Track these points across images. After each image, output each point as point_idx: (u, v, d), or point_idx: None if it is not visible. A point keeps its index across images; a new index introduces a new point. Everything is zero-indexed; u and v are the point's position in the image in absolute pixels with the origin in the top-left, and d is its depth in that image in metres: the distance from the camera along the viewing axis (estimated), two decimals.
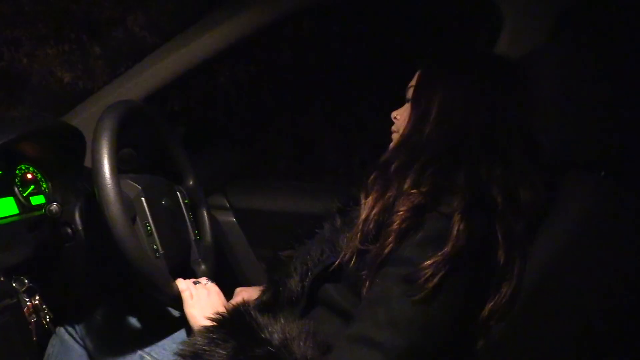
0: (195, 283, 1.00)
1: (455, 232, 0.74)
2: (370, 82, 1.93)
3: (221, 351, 0.79)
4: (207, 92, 1.93)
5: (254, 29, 1.38)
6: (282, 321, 0.82)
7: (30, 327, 0.96)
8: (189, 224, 1.19)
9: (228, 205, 1.58)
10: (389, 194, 0.82)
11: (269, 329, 0.81)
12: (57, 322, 1.07)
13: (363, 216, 0.84)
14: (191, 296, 0.96)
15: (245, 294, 1.12)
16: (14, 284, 0.98)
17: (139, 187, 1.02)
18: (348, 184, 1.02)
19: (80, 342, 1.08)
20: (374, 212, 0.82)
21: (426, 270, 0.73)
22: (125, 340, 1.04)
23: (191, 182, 1.24)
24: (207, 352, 0.80)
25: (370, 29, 1.87)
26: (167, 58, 1.42)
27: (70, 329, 1.09)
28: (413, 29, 1.76)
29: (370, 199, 0.85)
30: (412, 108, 0.92)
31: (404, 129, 0.92)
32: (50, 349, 1.10)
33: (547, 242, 0.82)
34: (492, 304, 0.79)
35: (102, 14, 1.61)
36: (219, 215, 1.55)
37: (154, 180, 1.12)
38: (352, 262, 0.84)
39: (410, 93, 0.95)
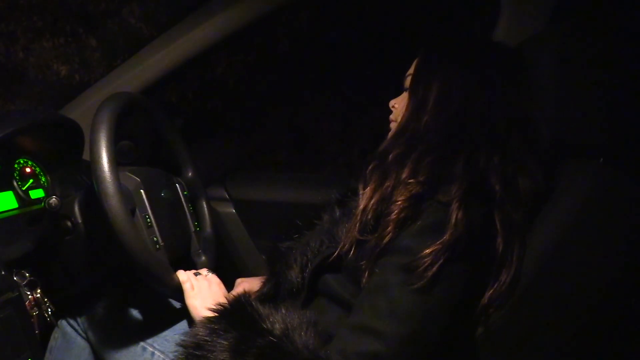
0: (195, 274, 1.00)
1: (453, 220, 0.74)
2: (369, 71, 1.92)
3: (223, 341, 0.80)
4: (204, 83, 1.93)
5: (250, 19, 1.37)
6: (283, 311, 0.83)
7: (32, 320, 0.96)
8: (188, 215, 1.19)
9: (227, 196, 1.58)
10: (387, 184, 0.82)
11: (270, 319, 0.81)
12: (58, 315, 1.07)
13: (361, 206, 0.84)
14: (192, 287, 0.96)
15: (246, 284, 1.12)
16: (15, 278, 0.98)
17: (138, 180, 1.02)
18: (347, 174, 1.02)
19: (83, 334, 1.09)
20: (372, 202, 0.82)
21: (425, 259, 0.73)
22: (127, 332, 1.04)
23: (190, 174, 1.24)
24: (208, 343, 0.80)
25: (368, 16, 1.86)
26: (163, 49, 1.41)
27: (72, 321, 1.10)
28: (411, 17, 1.75)
29: (368, 189, 0.85)
30: (410, 96, 0.92)
31: (402, 118, 0.92)
32: (52, 342, 1.11)
33: (546, 230, 0.82)
34: (491, 291, 0.79)
35: (97, 6, 1.60)
36: (219, 207, 1.55)
37: (152, 173, 1.12)
38: (351, 253, 0.84)
39: (408, 82, 0.94)
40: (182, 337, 0.85)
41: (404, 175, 0.81)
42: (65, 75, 1.62)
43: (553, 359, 0.85)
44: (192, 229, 1.19)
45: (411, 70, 0.95)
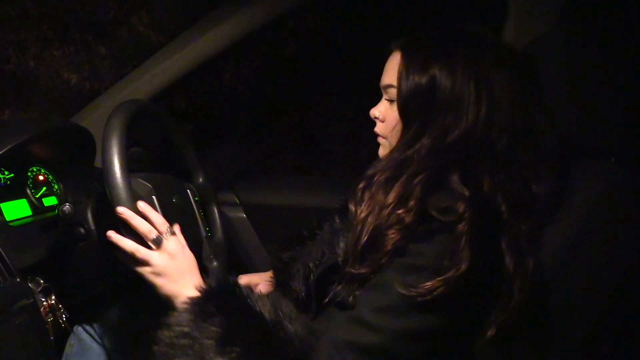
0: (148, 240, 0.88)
1: (458, 255, 0.71)
2: (375, 73, 1.92)
3: (210, 327, 0.76)
4: (212, 89, 1.94)
5: (258, 25, 1.38)
6: (273, 297, 0.82)
7: (47, 326, 0.96)
8: (199, 221, 1.19)
9: (237, 201, 1.58)
10: (376, 210, 0.79)
11: (259, 304, 0.80)
12: (73, 321, 1.08)
13: (353, 239, 0.81)
14: (157, 273, 0.87)
15: (246, 278, 1.12)
16: (30, 285, 0.99)
17: (150, 186, 1.03)
18: (356, 177, 1.01)
19: (99, 340, 1.09)
20: (364, 232, 0.80)
21: (425, 293, 0.71)
22: (143, 338, 1.05)
23: (201, 179, 1.24)
24: (193, 328, 0.77)
25: (375, 19, 1.87)
26: (172, 56, 1.42)
27: (88, 328, 1.10)
28: (417, 19, 1.75)
29: (360, 216, 0.82)
30: (404, 123, 0.85)
31: (396, 146, 0.86)
32: (68, 349, 1.11)
33: (558, 232, 0.81)
34: (503, 305, 0.77)
35: (106, 15, 1.62)
36: (229, 212, 1.56)
37: (164, 179, 1.12)
38: (348, 287, 0.82)
39: (390, 93, 0.88)
40: (165, 325, 0.80)
41: (390, 200, 0.78)
42: (76, 83, 1.64)
43: None
44: (204, 234, 1.19)
45: (392, 80, 0.87)
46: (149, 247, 0.87)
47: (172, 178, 1.17)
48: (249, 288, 0.83)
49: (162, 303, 0.86)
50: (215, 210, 1.27)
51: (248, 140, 2.09)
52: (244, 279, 1.12)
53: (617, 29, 0.86)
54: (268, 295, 0.83)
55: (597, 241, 0.81)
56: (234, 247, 1.55)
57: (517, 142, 0.80)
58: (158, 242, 0.87)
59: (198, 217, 1.19)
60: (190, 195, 1.19)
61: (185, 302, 0.81)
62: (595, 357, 0.86)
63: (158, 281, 0.86)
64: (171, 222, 1.03)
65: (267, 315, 0.78)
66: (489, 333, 0.77)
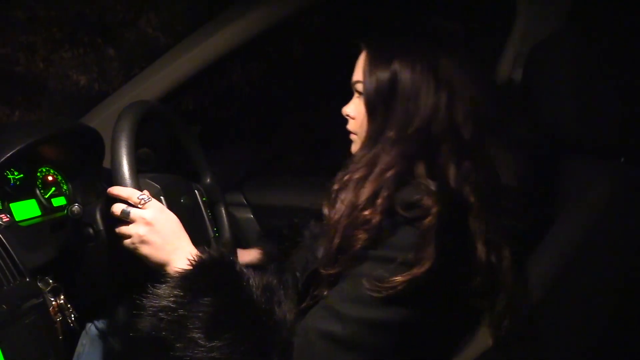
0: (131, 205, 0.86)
1: (425, 252, 0.72)
2: None
3: (200, 306, 0.75)
4: (220, 90, 1.94)
5: (265, 27, 1.38)
6: (265, 279, 0.82)
7: (56, 326, 0.97)
8: (207, 221, 1.20)
9: (245, 201, 1.59)
10: (349, 210, 0.80)
11: (250, 282, 0.80)
12: (84, 320, 1.08)
13: (328, 242, 0.82)
14: (144, 241, 0.85)
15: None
16: (39, 284, 0.99)
17: (158, 187, 1.03)
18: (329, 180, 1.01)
19: (109, 340, 1.09)
20: (337, 235, 0.80)
21: (389, 289, 0.72)
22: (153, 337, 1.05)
23: (209, 180, 1.25)
24: (182, 306, 0.76)
25: (381, 21, 1.86)
26: (180, 58, 1.43)
27: (100, 327, 1.11)
28: (426, 19, 1.74)
29: (333, 219, 0.82)
30: (369, 117, 0.87)
31: (364, 141, 0.88)
32: (80, 348, 1.12)
33: (564, 233, 0.81)
34: (499, 305, 0.77)
35: (115, 17, 1.63)
36: (237, 212, 1.56)
37: (172, 179, 1.13)
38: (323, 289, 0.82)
39: (359, 88, 0.90)
40: (151, 296, 0.78)
41: (360, 200, 0.78)
42: (85, 84, 1.64)
43: None
44: (211, 234, 1.20)
45: (359, 77, 0.89)
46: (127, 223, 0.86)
47: (180, 179, 1.17)
48: (241, 264, 0.83)
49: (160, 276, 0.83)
50: (223, 211, 1.27)
51: (255, 141, 2.09)
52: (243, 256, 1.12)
53: (625, 29, 0.86)
54: (260, 275, 0.82)
55: (607, 240, 0.81)
56: (241, 248, 1.55)
57: (484, 132, 0.81)
58: (126, 215, 0.85)
59: (206, 217, 1.20)
60: (198, 196, 1.19)
61: (176, 274, 0.79)
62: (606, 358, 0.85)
63: (144, 251, 0.85)
64: None
65: (258, 298, 0.78)
66: (492, 334, 0.78)
